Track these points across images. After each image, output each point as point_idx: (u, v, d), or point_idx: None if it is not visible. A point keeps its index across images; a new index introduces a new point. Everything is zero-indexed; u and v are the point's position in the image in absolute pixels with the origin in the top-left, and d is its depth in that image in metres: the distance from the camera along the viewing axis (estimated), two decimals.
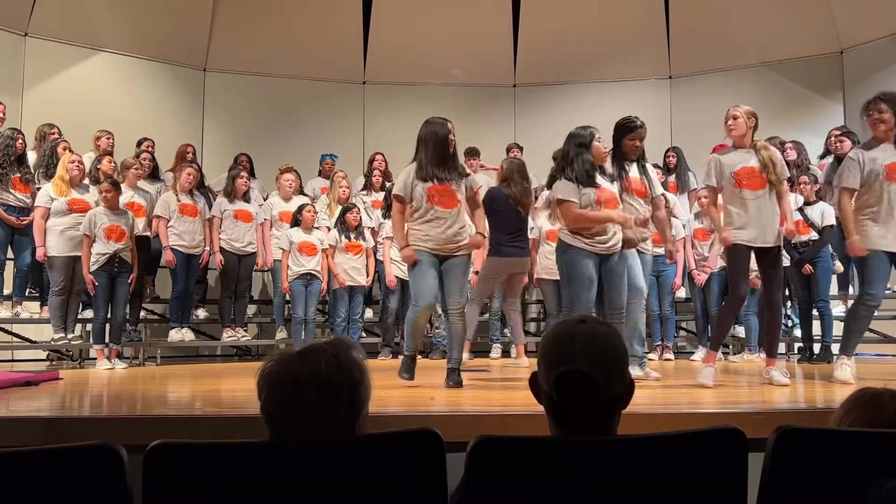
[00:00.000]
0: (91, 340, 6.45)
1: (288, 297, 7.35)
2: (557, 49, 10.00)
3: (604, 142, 4.63)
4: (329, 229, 7.43)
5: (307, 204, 7.34)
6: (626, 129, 4.72)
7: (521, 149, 8.65)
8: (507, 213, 5.96)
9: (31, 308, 6.88)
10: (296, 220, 7.19)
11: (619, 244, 4.55)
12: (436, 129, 4.55)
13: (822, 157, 7.55)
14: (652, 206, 4.80)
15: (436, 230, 4.48)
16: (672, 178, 8.11)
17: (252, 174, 8.20)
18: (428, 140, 4.55)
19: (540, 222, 7.11)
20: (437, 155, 4.49)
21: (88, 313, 6.74)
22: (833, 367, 4.55)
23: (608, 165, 4.66)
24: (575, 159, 4.53)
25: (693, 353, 7.21)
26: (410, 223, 4.57)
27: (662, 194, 4.99)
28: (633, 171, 4.76)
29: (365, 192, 8.29)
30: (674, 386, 4.38)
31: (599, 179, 4.53)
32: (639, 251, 4.77)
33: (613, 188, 4.60)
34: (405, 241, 4.56)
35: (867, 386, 1.71)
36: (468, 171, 4.72)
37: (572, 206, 4.45)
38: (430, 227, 4.48)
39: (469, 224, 4.68)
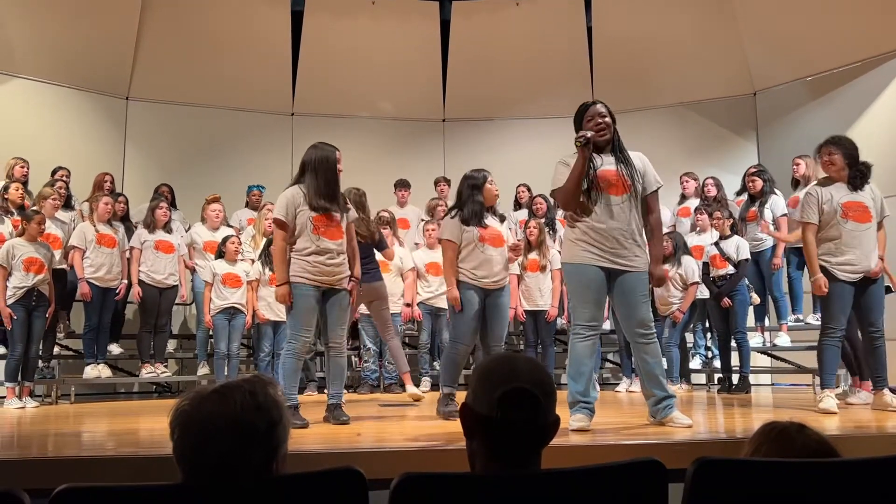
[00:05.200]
0: (2, 378, 6.13)
1: (211, 332, 7.16)
2: (485, 86, 10.18)
3: (496, 184, 4.87)
4: (254, 262, 7.29)
5: (231, 235, 7.19)
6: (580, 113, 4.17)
7: (448, 182, 8.73)
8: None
9: None
10: (220, 252, 7.04)
11: (504, 280, 4.78)
12: (326, 156, 4.43)
13: (739, 193, 7.85)
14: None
15: (320, 262, 4.32)
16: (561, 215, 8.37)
17: (174, 205, 8.01)
18: (318, 167, 4.40)
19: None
20: (327, 184, 4.37)
21: None
22: (816, 400, 4.79)
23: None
24: (467, 200, 4.76)
25: (617, 384, 7.32)
26: (292, 254, 4.39)
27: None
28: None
29: None
30: (600, 417, 4.42)
31: (489, 219, 4.78)
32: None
33: (501, 228, 4.83)
34: (286, 275, 4.33)
35: (773, 420, 1.75)
36: (349, 205, 4.62)
37: (449, 245, 4.73)
38: (315, 258, 4.32)
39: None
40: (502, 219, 4.94)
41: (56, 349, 7.02)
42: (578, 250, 3.85)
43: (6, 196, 6.63)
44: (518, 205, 8.72)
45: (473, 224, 4.69)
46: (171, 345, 7.99)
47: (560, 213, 8.41)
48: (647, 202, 3.97)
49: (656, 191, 4.03)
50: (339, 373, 4.50)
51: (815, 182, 4.86)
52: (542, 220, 7.67)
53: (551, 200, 8.39)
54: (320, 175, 4.37)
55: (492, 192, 4.81)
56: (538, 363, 1.61)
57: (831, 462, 1.60)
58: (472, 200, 4.74)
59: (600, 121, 3.91)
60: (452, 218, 4.78)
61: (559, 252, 7.57)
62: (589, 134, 3.81)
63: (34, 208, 6.41)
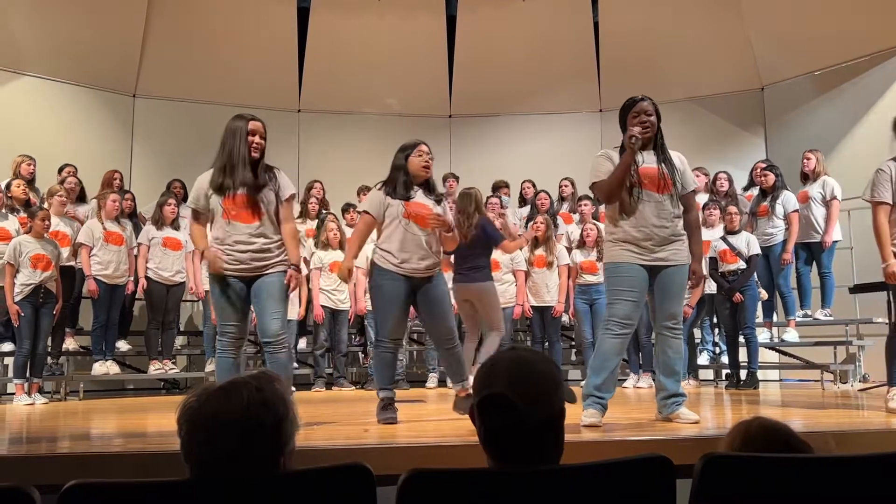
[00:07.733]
0: (10, 374, 6.17)
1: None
2: (491, 82, 10.17)
3: (426, 155, 4.25)
4: None
5: None
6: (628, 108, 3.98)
7: (456, 178, 8.72)
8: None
9: None
10: None
11: (436, 268, 4.21)
12: (231, 128, 3.85)
13: (747, 188, 7.82)
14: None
15: (234, 250, 3.79)
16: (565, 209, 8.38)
17: (186, 200, 8.02)
18: (224, 142, 3.83)
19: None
20: (230, 159, 3.77)
21: (4, 346, 6.45)
22: (886, 399, 4.22)
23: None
24: (393, 171, 4.28)
25: (624, 380, 7.31)
26: (211, 240, 3.93)
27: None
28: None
29: (300, 220, 8.20)
30: (608, 413, 4.42)
31: (419, 195, 4.21)
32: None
33: (432, 204, 4.22)
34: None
35: (741, 420, 1.76)
36: (279, 176, 3.99)
37: (363, 217, 4.27)
38: (228, 247, 3.79)
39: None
40: (439, 199, 4.28)
41: (65, 345, 7.04)
42: (620, 250, 3.81)
43: (10, 193, 6.65)
44: (523, 201, 8.70)
45: (398, 197, 4.15)
46: (179, 341, 8.01)
47: (566, 207, 8.41)
48: (686, 201, 3.95)
49: (693, 191, 4.04)
50: (280, 372, 3.68)
51: (891, 157, 4.27)
52: (548, 217, 7.65)
53: (554, 196, 8.39)
54: (224, 150, 3.84)
55: (416, 163, 4.21)
56: (526, 360, 1.54)
57: (839, 458, 1.60)
58: (396, 170, 4.25)
59: (645, 118, 3.86)
60: (378, 189, 4.28)
61: (565, 248, 7.58)
62: (639, 134, 3.79)
63: (41, 205, 6.44)
